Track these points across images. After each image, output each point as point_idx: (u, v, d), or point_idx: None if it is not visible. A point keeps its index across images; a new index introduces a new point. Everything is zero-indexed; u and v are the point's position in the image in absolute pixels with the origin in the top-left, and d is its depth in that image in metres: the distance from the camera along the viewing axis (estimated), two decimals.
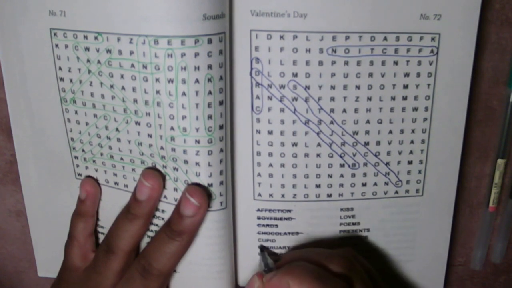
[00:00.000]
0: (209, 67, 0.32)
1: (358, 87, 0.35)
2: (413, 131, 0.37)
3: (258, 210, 0.38)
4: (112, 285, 0.37)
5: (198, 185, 0.35)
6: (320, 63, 0.34)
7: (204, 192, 0.35)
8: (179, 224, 0.35)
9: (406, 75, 0.35)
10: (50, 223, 0.42)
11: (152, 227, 0.38)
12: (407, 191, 0.38)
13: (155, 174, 0.36)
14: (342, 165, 0.37)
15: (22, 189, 0.42)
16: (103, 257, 0.37)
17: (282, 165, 0.37)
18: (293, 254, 0.37)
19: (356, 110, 0.35)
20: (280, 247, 0.39)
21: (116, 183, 0.39)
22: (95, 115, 0.37)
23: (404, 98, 0.35)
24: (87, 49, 0.35)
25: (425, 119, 0.36)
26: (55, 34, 0.35)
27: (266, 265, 0.36)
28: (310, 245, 0.39)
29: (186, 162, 0.35)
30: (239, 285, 0.41)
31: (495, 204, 0.41)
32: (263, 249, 0.39)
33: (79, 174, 0.40)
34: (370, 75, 0.35)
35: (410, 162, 0.38)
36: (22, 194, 0.42)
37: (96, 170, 0.39)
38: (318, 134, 0.36)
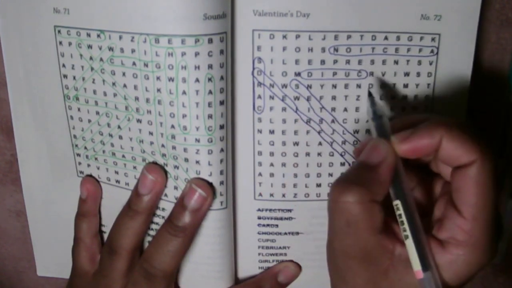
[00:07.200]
0: (210, 66, 0.33)
1: (359, 86, 0.35)
2: None
3: (259, 210, 0.38)
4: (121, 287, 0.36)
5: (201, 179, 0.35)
6: (322, 62, 0.34)
7: (209, 185, 0.35)
8: (182, 218, 0.35)
9: (406, 74, 0.35)
10: (50, 223, 0.42)
11: (153, 226, 0.38)
12: None
13: (159, 168, 0.36)
14: (343, 164, 0.37)
15: (22, 189, 0.42)
16: (108, 259, 0.37)
17: (283, 165, 0.37)
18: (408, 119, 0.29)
19: (357, 109, 0.35)
20: (280, 247, 0.39)
21: (117, 181, 0.39)
22: (97, 112, 0.37)
23: (404, 97, 0.36)
24: (90, 46, 0.35)
25: None
26: (59, 31, 0.35)
27: (375, 114, 0.30)
28: None
29: (186, 160, 0.35)
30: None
31: None
32: (371, 93, 0.33)
33: (81, 172, 0.40)
34: (371, 74, 0.35)
35: None
36: (22, 194, 0.42)
37: (98, 168, 0.39)
38: (319, 133, 0.36)
